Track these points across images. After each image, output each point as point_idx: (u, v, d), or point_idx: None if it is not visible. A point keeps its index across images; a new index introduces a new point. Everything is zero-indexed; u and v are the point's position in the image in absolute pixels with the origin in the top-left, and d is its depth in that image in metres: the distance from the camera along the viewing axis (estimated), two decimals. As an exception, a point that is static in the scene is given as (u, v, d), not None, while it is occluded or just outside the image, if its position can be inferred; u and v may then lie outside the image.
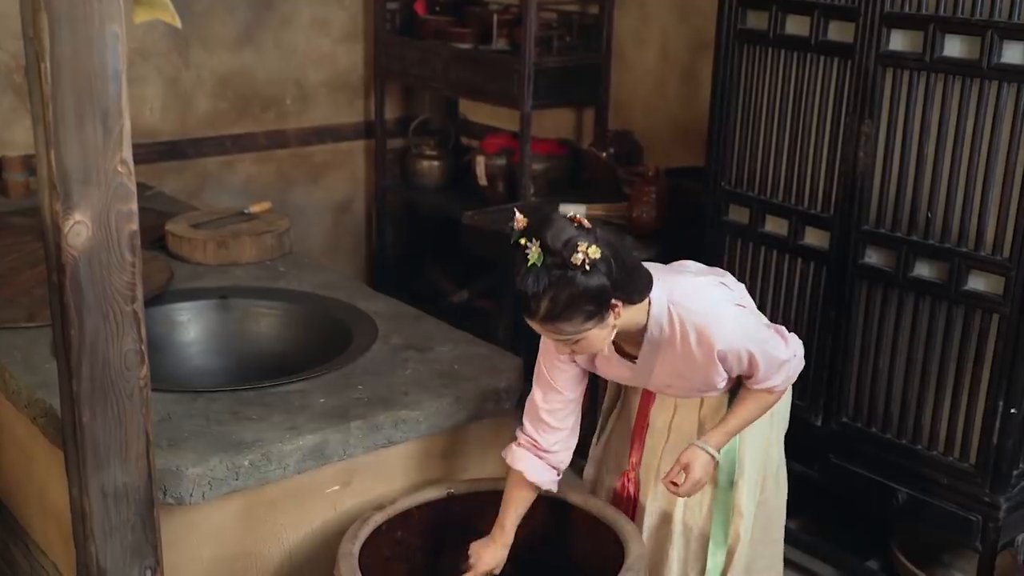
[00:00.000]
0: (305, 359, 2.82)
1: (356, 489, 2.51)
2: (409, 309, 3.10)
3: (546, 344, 2.38)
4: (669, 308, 2.27)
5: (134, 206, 1.84)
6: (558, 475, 2.48)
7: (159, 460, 2.16)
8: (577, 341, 2.18)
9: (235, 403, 2.50)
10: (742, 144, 3.34)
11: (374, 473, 2.52)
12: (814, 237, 3.19)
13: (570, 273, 2.06)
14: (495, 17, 4.60)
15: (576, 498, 2.54)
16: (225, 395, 2.54)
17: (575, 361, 2.40)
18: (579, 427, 2.49)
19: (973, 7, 2.72)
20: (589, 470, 2.74)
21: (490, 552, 2.45)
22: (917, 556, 3.23)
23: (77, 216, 1.79)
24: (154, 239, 3.58)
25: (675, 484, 2.39)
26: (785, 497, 2.69)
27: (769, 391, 2.40)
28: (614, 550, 2.36)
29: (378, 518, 2.42)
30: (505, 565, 2.47)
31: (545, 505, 2.54)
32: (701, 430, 2.50)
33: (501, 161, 4.62)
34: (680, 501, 2.53)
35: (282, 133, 5.01)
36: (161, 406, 2.44)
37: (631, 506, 2.61)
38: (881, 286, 3.04)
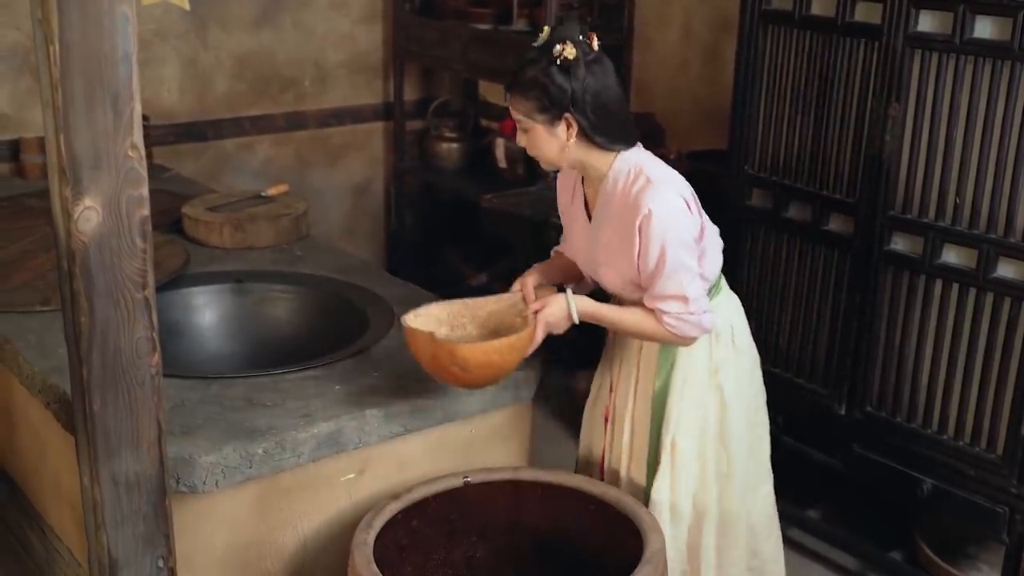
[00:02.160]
0: (321, 344, 2.79)
1: (371, 477, 2.48)
2: (426, 294, 3.06)
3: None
4: (631, 169, 2.39)
5: (145, 191, 1.82)
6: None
7: (172, 447, 2.14)
8: (526, 130, 2.39)
9: (250, 390, 2.47)
10: (766, 127, 3.28)
11: (389, 461, 2.49)
12: (839, 223, 3.14)
13: (546, 60, 2.32)
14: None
15: (595, 488, 2.50)
16: (239, 381, 2.51)
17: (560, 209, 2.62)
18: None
19: (1005, -13, 2.66)
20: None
21: (531, 280, 2.57)
22: (941, 548, 3.18)
23: (87, 201, 1.76)
24: (171, 222, 3.55)
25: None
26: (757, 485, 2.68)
27: (654, 312, 2.40)
28: (632, 542, 2.32)
29: (393, 507, 2.38)
30: (522, 556, 2.43)
31: (563, 495, 2.51)
32: (638, 385, 2.59)
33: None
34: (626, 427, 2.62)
35: (301, 114, 4.97)
36: (175, 392, 2.42)
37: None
38: (907, 273, 2.98)
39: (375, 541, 2.27)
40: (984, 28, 2.73)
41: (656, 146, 4.31)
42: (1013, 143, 2.71)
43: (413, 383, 2.52)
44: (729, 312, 2.57)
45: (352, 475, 2.45)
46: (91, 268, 1.79)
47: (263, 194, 3.67)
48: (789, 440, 3.34)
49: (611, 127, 2.38)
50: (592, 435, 2.75)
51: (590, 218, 2.51)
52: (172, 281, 3.05)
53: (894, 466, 3.08)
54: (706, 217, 2.50)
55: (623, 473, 2.65)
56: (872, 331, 3.08)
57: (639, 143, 2.46)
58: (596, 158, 2.41)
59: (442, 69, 5.12)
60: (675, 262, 2.34)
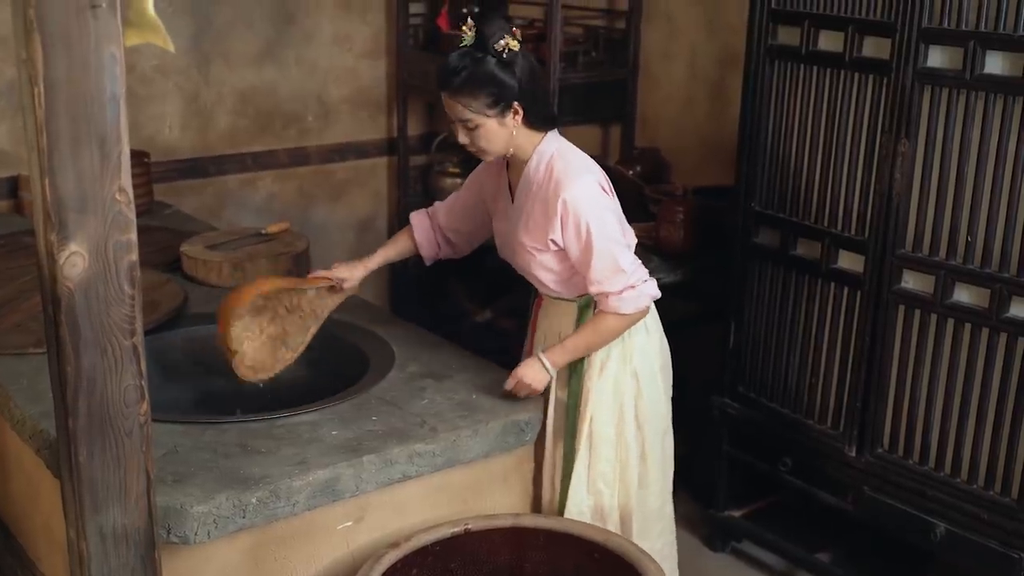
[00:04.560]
0: (320, 386, 2.75)
1: (369, 525, 2.42)
2: (428, 335, 3.01)
3: (467, 183, 2.85)
4: (552, 155, 2.53)
5: (133, 236, 1.77)
6: (438, 252, 2.91)
7: (163, 497, 2.09)
8: (476, 127, 2.48)
9: (244, 435, 2.41)
10: (773, 164, 3.24)
11: (388, 509, 2.43)
12: (848, 261, 3.08)
13: (489, 58, 2.43)
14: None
15: (597, 535, 2.44)
16: (234, 426, 2.45)
17: (486, 199, 2.75)
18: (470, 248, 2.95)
19: (1016, 23, 2.61)
20: None
21: (350, 266, 2.79)
22: (956, 594, 3.11)
23: (73, 247, 1.71)
24: (170, 260, 3.51)
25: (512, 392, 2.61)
26: (658, 468, 2.74)
27: (604, 307, 2.52)
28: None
29: (392, 556, 2.33)
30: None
31: (565, 542, 2.45)
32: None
33: (525, 179, 4.52)
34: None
35: (304, 150, 4.94)
36: (168, 438, 2.37)
37: None
38: (918, 312, 2.92)
39: (373, 591, 2.21)
40: (995, 63, 2.68)
41: (661, 181, 4.29)
42: (1025, 180, 2.66)
43: (413, 427, 2.47)
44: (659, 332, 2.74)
45: (349, 523, 2.39)
46: (77, 315, 1.74)
47: (263, 232, 3.62)
48: (798, 482, 3.28)
49: (543, 108, 2.56)
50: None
51: (513, 200, 2.62)
52: (169, 321, 3.01)
53: (906, 509, 3.02)
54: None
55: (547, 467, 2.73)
56: (883, 371, 3.02)
57: (557, 130, 2.60)
58: (526, 139, 2.54)
59: (446, 104, 5.08)
60: (601, 238, 2.46)
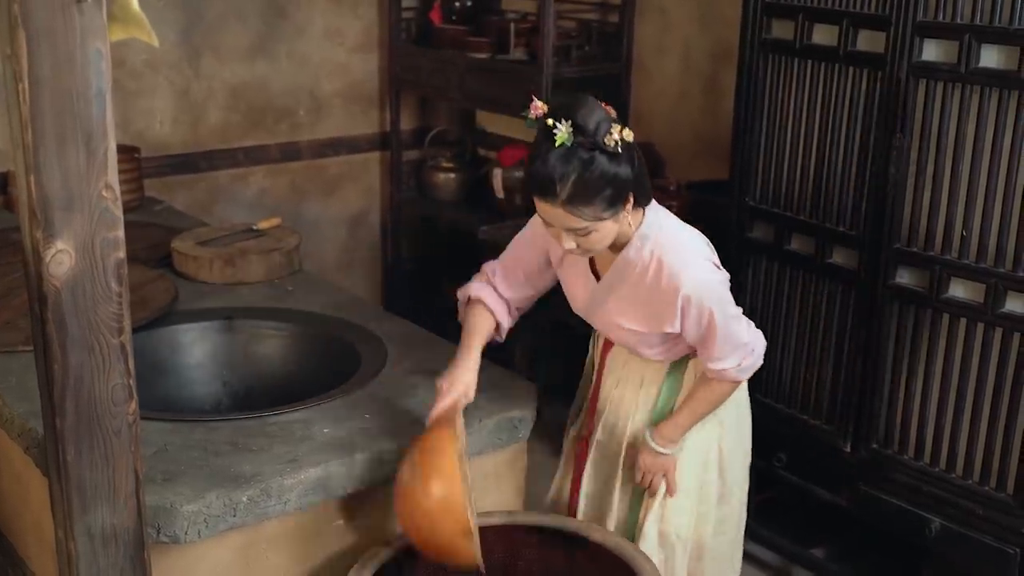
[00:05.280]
0: (312, 384, 2.72)
1: (361, 524, 2.40)
2: (421, 331, 2.99)
3: (521, 244, 2.47)
4: (655, 238, 2.26)
5: (120, 233, 1.74)
6: (511, 320, 2.52)
7: (153, 496, 2.07)
8: (589, 233, 2.15)
9: (235, 433, 2.39)
10: (767, 158, 3.22)
11: (380, 507, 2.41)
12: (842, 256, 3.07)
13: (599, 155, 2.07)
14: (512, 26, 4.49)
15: (592, 533, 2.43)
16: (225, 424, 2.43)
17: (553, 262, 2.44)
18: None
19: (1011, 16, 2.59)
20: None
21: (460, 376, 2.37)
22: (951, 590, 3.10)
23: (59, 244, 1.69)
24: (161, 256, 3.48)
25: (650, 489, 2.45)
26: (736, 516, 2.63)
27: (720, 377, 2.34)
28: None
29: (384, 554, 2.31)
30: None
31: (561, 540, 2.44)
32: (634, 404, 2.51)
33: (519, 173, 4.51)
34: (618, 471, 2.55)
35: (295, 145, 4.92)
36: (158, 436, 2.35)
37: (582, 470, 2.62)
38: (913, 308, 2.91)
39: (366, 590, 2.20)
40: (990, 57, 2.66)
41: (655, 176, 4.26)
42: (1021, 174, 2.64)
43: (405, 424, 2.44)
44: None
45: (341, 522, 2.37)
46: (64, 313, 1.72)
47: (254, 228, 3.60)
48: (793, 477, 3.27)
49: (647, 185, 2.24)
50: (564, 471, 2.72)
51: (597, 277, 2.39)
52: (160, 318, 2.98)
53: (901, 505, 3.00)
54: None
55: (612, 506, 2.58)
56: (878, 366, 3.01)
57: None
58: (626, 222, 2.24)
59: (439, 98, 5.07)
60: (723, 321, 2.27)
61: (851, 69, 2.96)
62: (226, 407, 2.92)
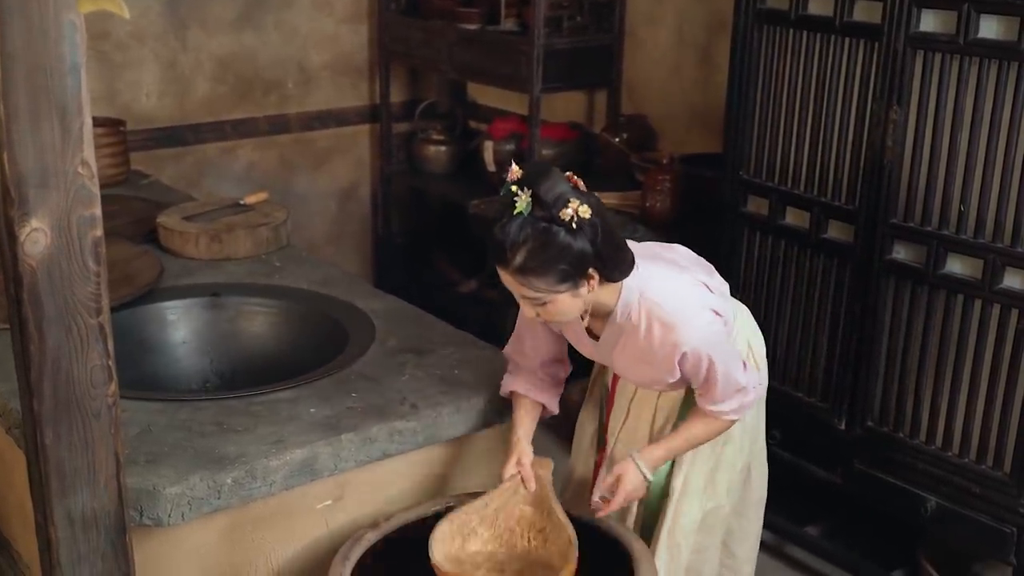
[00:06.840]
0: (299, 361, 2.68)
1: (349, 505, 2.36)
2: (410, 308, 2.94)
3: (521, 315, 2.36)
4: (639, 299, 2.20)
5: (98, 211, 1.69)
6: (558, 390, 2.45)
7: (135, 478, 2.03)
8: (544, 304, 2.12)
9: (220, 413, 2.34)
10: (761, 131, 3.18)
11: (368, 488, 2.38)
12: (838, 231, 3.03)
13: (555, 228, 2.02)
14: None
15: (586, 515, 2.39)
16: (210, 404, 2.39)
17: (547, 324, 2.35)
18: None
19: (1011, -14, 2.55)
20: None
21: (526, 458, 2.35)
22: (946, 568, 3.07)
23: (34, 223, 1.64)
24: (146, 232, 3.43)
25: (604, 500, 2.34)
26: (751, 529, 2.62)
27: (717, 416, 2.29)
28: (620, 572, 2.22)
29: (372, 536, 2.27)
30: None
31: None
32: (653, 423, 2.46)
33: (510, 146, 4.47)
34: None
35: (284, 118, 4.86)
36: (143, 416, 2.30)
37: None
38: (909, 283, 2.88)
39: (353, 572, 2.16)
40: (990, 28, 2.62)
41: (648, 149, 4.22)
42: (1020, 148, 2.61)
43: (394, 403, 2.40)
44: (746, 332, 2.47)
45: (328, 502, 2.34)
46: (40, 293, 1.68)
47: (241, 203, 3.54)
48: (787, 455, 3.24)
49: (621, 260, 2.15)
50: (579, 462, 2.67)
51: (596, 338, 2.33)
52: (145, 295, 2.93)
53: (896, 483, 2.98)
54: (715, 276, 2.40)
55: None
56: (873, 343, 2.98)
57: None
58: (606, 294, 2.19)
59: (429, 70, 5.01)
60: (724, 368, 2.21)
61: (847, 40, 2.92)
62: (213, 385, 2.87)
